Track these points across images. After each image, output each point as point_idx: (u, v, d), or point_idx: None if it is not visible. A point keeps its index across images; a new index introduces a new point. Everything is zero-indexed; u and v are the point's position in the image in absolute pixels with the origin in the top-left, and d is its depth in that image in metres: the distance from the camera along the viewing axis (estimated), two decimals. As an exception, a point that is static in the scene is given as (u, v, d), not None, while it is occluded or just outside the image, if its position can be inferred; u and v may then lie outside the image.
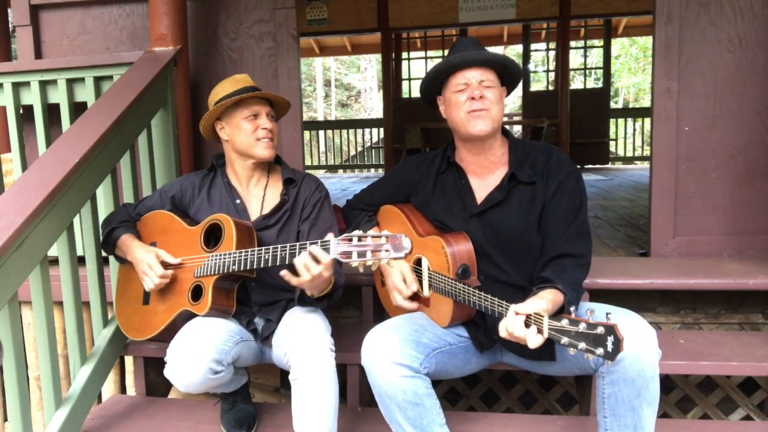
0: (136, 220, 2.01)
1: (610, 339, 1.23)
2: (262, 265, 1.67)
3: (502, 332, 1.41)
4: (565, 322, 1.29)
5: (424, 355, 1.62)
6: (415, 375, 1.58)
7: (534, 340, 1.34)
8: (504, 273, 1.70)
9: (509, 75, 1.71)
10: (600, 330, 1.24)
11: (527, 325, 1.36)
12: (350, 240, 1.45)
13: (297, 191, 1.96)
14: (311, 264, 1.54)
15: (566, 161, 1.72)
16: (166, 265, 1.84)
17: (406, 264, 1.80)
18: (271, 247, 1.66)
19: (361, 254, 1.44)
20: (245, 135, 1.87)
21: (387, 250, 1.41)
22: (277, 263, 1.63)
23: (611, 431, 1.55)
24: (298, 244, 1.60)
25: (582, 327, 1.26)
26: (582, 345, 1.26)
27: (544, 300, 1.43)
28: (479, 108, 1.63)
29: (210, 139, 1.99)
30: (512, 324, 1.38)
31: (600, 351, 1.24)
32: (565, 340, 1.28)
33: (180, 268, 1.87)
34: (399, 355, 1.57)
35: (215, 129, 1.95)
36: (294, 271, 1.59)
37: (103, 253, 2.08)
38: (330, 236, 1.52)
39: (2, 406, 2.76)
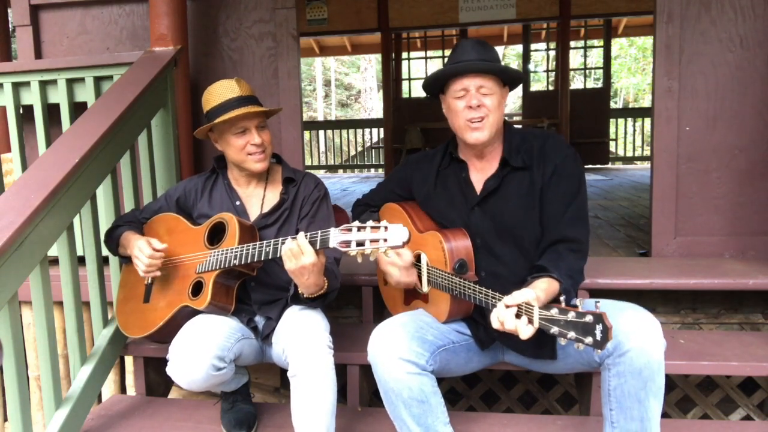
0: (143, 222, 2.03)
1: (599, 327, 1.23)
2: (262, 258, 1.68)
3: (495, 323, 1.41)
4: (554, 311, 1.29)
5: (429, 352, 1.63)
6: (421, 372, 1.59)
7: (525, 331, 1.34)
8: (506, 267, 1.70)
9: (510, 79, 1.72)
10: (588, 318, 1.24)
11: (518, 315, 1.36)
12: (350, 230, 1.47)
13: (296, 190, 1.97)
14: (295, 251, 1.57)
15: (562, 145, 1.72)
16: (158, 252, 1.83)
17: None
18: (272, 240, 1.68)
19: (360, 243, 1.45)
20: (235, 151, 1.87)
21: (385, 240, 1.42)
22: (278, 255, 1.65)
23: (617, 424, 1.54)
24: (300, 234, 1.61)
25: (571, 316, 1.26)
26: (571, 334, 1.26)
27: (537, 289, 1.44)
28: (477, 117, 1.65)
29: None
30: (503, 315, 1.38)
31: (589, 340, 1.24)
32: (554, 329, 1.29)
33: (176, 262, 1.88)
34: (406, 352, 1.58)
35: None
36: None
37: (105, 253, 2.08)
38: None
39: (2, 406, 2.75)
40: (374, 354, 1.62)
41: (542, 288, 1.45)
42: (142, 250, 1.81)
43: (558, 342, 1.67)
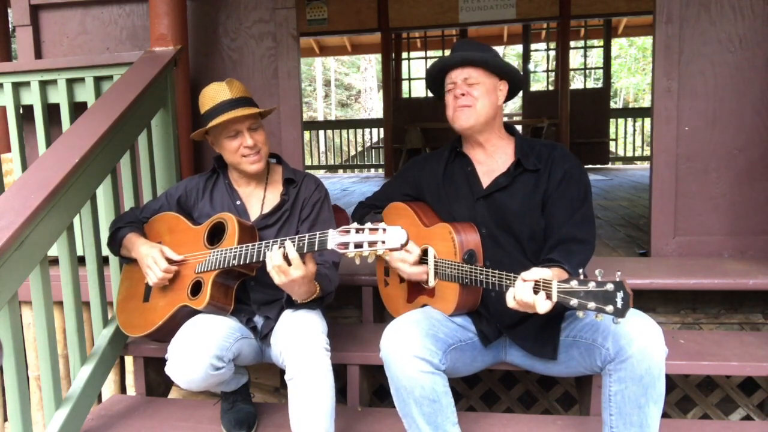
0: (144, 222, 2.03)
1: (620, 295, 1.23)
2: (261, 258, 1.68)
3: (510, 301, 1.42)
4: (574, 283, 1.29)
5: (442, 351, 1.63)
6: (435, 372, 1.59)
7: (543, 305, 1.35)
8: (509, 256, 1.72)
9: (494, 69, 1.75)
10: (609, 286, 1.24)
11: (536, 291, 1.37)
12: (348, 231, 1.46)
13: (297, 191, 1.96)
14: (284, 268, 1.58)
15: (570, 154, 1.78)
16: (170, 261, 1.85)
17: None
18: (271, 240, 1.67)
19: (358, 245, 1.44)
20: (229, 154, 1.88)
21: (383, 242, 1.41)
22: None
23: (617, 429, 1.55)
24: (297, 236, 1.61)
25: (591, 286, 1.26)
26: (591, 304, 1.25)
27: (551, 270, 1.44)
28: (462, 105, 1.74)
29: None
30: (520, 291, 1.38)
31: (609, 308, 1.24)
32: (574, 301, 1.28)
33: (183, 264, 1.88)
34: (421, 350, 1.58)
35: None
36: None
37: (105, 252, 2.08)
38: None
39: (2, 406, 2.75)
40: (388, 351, 1.62)
41: (555, 273, 1.46)
42: (157, 262, 1.82)
43: (560, 344, 1.69)
